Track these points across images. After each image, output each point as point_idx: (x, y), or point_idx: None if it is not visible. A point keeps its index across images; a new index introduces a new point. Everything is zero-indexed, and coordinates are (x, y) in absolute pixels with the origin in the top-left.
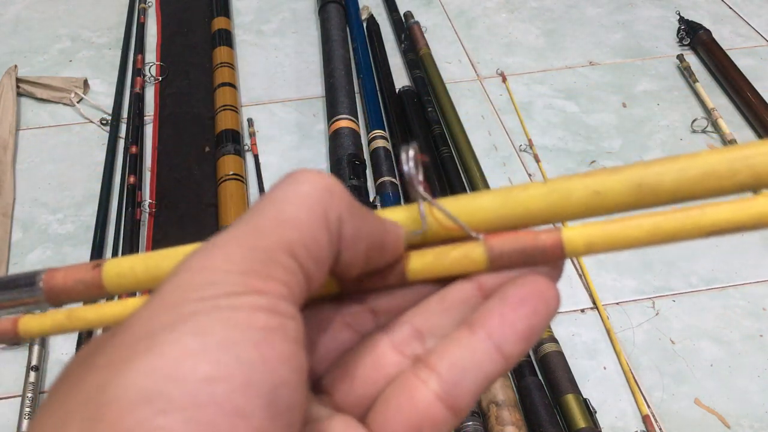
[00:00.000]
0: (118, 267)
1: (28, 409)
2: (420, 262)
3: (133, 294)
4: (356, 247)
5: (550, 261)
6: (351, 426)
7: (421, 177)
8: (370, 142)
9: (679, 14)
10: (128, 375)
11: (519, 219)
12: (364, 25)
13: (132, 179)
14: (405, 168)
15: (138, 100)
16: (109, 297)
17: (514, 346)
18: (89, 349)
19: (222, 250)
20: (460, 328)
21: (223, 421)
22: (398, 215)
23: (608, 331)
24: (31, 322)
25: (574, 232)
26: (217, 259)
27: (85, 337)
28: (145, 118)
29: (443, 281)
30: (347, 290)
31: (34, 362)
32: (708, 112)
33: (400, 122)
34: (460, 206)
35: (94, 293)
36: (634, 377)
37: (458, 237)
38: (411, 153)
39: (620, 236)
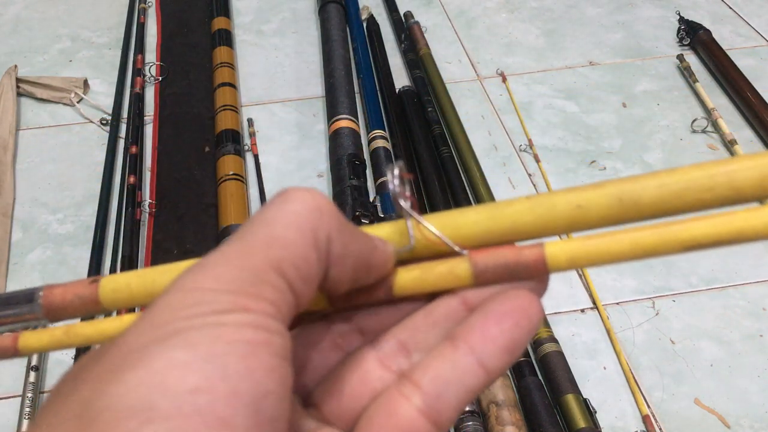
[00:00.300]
0: (114, 283)
1: (28, 409)
2: (406, 278)
3: (131, 310)
4: (344, 264)
5: (533, 276)
6: None
7: (408, 194)
8: (370, 142)
9: (679, 14)
10: (117, 387)
11: (505, 234)
12: (364, 25)
13: (132, 179)
14: (391, 186)
15: (138, 100)
16: (107, 313)
17: (496, 359)
18: (81, 364)
19: (212, 270)
20: (442, 342)
21: (208, 430)
22: (385, 231)
23: (608, 331)
24: (30, 338)
25: (556, 248)
26: (208, 279)
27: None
28: (145, 118)
29: (429, 296)
30: (336, 305)
31: (34, 362)
32: (708, 112)
33: (400, 122)
34: (447, 221)
35: (91, 309)
36: (634, 377)
37: (444, 251)
38: (396, 171)
39: (602, 251)
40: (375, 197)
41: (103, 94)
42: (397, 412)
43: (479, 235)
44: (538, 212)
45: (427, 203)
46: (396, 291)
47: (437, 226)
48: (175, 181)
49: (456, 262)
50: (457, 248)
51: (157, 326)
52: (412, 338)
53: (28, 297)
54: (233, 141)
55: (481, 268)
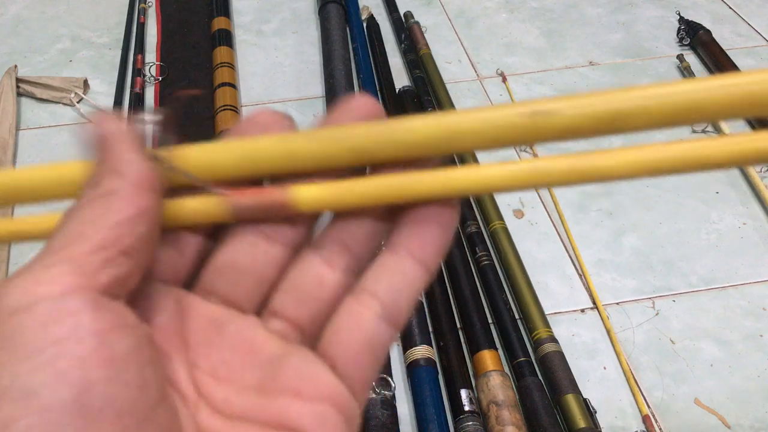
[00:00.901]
0: None
1: None
2: (173, 212)
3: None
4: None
5: (285, 216)
6: (308, 359)
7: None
8: None
9: (679, 14)
10: None
11: (258, 172)
12: (364, 25)
13: None
14: (150, 128)
15: (138, 100)
16: None
17: (435, 259)
18: None
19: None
20: (386, 253)
21: None
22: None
23: (608, 331)
24: None
25: (302, 191)
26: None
27: None
28: None
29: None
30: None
31: None
32: None
33: None
34: (206, 158)
35: None
36: (634, 377)
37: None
38: (150, 116)
39: (345, 197)
40: None
41: (103, 94)
42: (360, 320)
43: (235, 172)
44: (286, 158)
45: None
46: (168, 224)
47: (199, 158)
48: None
49: (217, 202)
50: (215, 189)
51: None
52: (349, 236)
53: None
54: None
55: (238, 207)
